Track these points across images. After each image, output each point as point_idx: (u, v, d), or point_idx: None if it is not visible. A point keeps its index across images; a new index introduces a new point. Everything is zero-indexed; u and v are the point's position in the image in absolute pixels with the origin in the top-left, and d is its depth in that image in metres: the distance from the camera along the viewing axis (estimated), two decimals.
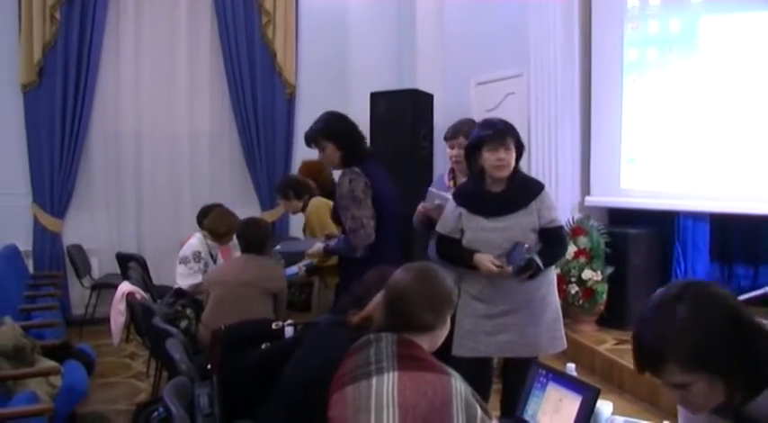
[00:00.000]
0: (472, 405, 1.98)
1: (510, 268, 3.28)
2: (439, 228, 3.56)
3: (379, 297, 2.34)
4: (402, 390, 1.93)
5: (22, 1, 6.85)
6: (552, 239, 3.43)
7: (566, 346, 3.54)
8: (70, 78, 7.00)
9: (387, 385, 1.94)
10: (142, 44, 7.43)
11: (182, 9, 7.51)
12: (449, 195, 3.68)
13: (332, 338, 2.47)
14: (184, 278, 4.89)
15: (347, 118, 3.96)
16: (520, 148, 3.40)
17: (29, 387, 3.57)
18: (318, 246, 4.02)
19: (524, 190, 3.43)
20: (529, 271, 3.28)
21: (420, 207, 3.92)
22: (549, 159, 6.05)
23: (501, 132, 3.33)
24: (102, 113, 7.32)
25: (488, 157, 3.33)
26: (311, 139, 3.88)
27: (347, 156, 3.82)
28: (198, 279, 4.84)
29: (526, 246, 3.29)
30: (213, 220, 5.08)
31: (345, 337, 2.36)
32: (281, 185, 5.21)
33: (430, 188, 4.02)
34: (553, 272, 3.56)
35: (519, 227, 3.36)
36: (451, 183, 3.91)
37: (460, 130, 3.84)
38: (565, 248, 3.85)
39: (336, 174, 4.14)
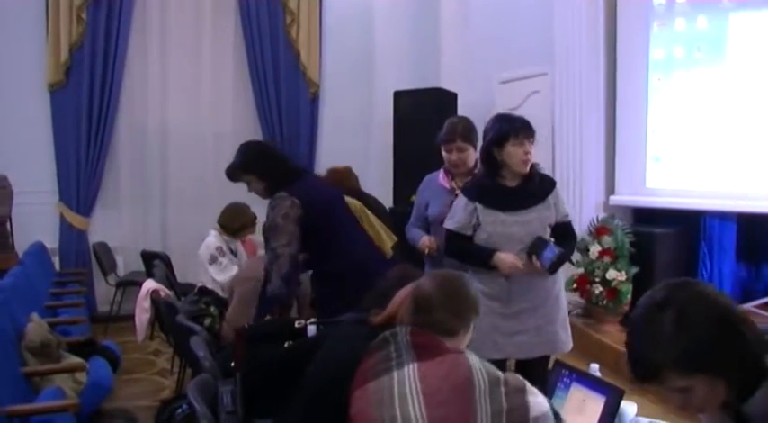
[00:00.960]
0: (491, 369, 2.00)
1: (538, 263, 3.24)
2: (448, 224, 3.48)
3: (400, 295, 2.35)
4: (423, 377, 1.95)
5: (50, 2, 6.93)
6: (567, 234, 3.47)
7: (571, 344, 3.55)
8: (96, 78, 7.07)
9: (408, 376, 1.96)
10: (167, 44, 7.48)
11: (206, 9, 7.56)
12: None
13: (354, 337, 2.47)
14: (221, 273, 4.90)
15: (263, 145, 3.92)
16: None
17: (55, 383, 3.62)
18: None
19: (541, 185, 3.41)
20: (560, 266, 3.30)
21: (426, 240, 3.72)
22: (573, 158, 6.01)
23: (527, 126, 3.32)
24: (127, 113, 7.39)
25: (515, 152, 3.29)
26: (232, 177, 3.74)
27: (272, 184, 3.65)
28: (234, 270, 4.87)
29: (552, 240, 3.30)
30: (226, 216, 5.12)
31: (367, 335, 2.37)
32: None
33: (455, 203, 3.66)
34: (561, 269, 3.56)
35: (539, 221, 3.35)
36: (453, 183, 3.76)
37: (456, 132, 3.70)
38: (575, 243, 3.83)
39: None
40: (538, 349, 3.37)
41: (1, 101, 6.91)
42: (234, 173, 3.73)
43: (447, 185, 3.76)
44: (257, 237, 5.41)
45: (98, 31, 7.04)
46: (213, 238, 5.06)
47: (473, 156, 3.73)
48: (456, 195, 3.66)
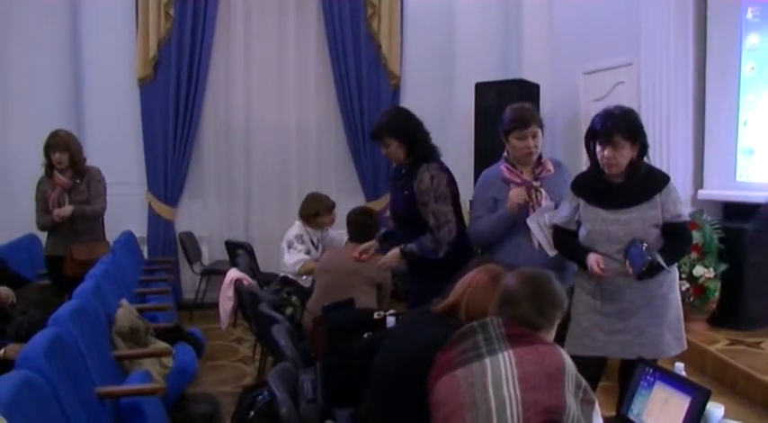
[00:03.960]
0: (578, 375, 2.06)
1: (630, 269, 3.12)
2: (555, 218, 3.43)
3: (462, 284, 2.42)
4: (520, 363, 2.00)
5: None
6: (676, 235, 3.24)
7: (686, 346, 3.38)
8: (183, 72, 7.27)
9: (503, 362, 2.01)
10: (251, 38, 7.62)
11: (289, 3, 7.66)
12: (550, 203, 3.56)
13: (417, 325, 2.50)
14: (293, 258, 5.04)
15: (411, 114, 3.91)
16: (641, 139, 3.22)
17: (143, 367, 3.73)
18: (395, 251, 3.78)
19: (649, 182, 3.26)
20: (653, 275, 3.12)
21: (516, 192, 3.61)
22: (660, 151, 5.82)
23: (608, 131, 3.16)
24: (213, 106, 7.57)
25: (599, 152, 3.21)
26: (375, 137, 3.85)
27: (412, 152, 3.77)
28: (304, 257, 4.97)
29: (645, 245, 3.12)
30: (303, 203, 5.24)
31: (430, 323, 2.40)
32: None
33: (542, 210, 3.59)
34: (675, 269, 3.38)
35: (641, 220, 3.19)
36: (523, 175, 3.63)
37: (529, 117, 3.59)
38: (689, 245, 3.63)
39: None
40: (640, 350, 3.13)
41: (93, 95, 7.17)
42: (379, 133, 3.83)
43: (518, 179, 3.62)
44: (335, 230, 5.49)
45: (185, 26, 7.23)
46: (296, 228, 5.18)
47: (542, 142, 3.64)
48: (533, 188, 3.59)
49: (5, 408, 2.03)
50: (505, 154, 3.70)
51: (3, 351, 3.10)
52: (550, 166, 3.68)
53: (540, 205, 3.57)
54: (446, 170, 3.77)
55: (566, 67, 7.10)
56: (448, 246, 3.63)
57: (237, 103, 7.64)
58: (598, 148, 3.21)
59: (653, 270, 3.10)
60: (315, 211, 5.21)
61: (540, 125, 3.62)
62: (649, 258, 3.06)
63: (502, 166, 3.69)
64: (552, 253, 3.51)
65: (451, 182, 3.75)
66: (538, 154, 3.63)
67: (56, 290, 4.91)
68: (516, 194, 3.52)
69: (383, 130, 3.79)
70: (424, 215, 3.68)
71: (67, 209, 4.89)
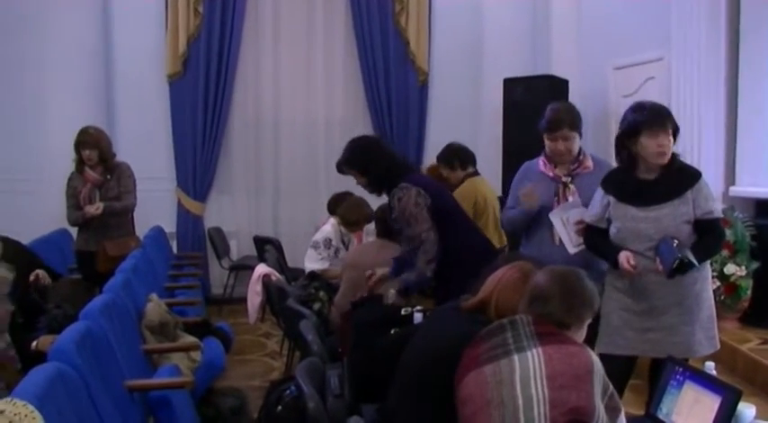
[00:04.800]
0: (606, 379, 2.06)
1: (660, 267, 3.08)
2: (586, 216, 3.40)
3: (491, 281, 2.42)
4: (548, 361, 2.00)
5: None
6: (708, 232, 3.20)
7: (719, 346, 3.34)
8: (212, 68, 7.32)
9: (532, 360, 2.01)
10: (280, 35, 7.65)
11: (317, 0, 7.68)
12: (576, 199, 3.53)
13: (446, 321, 2.50)
14: (311, 261, 5.05)
15: (369, 140, 3.94)
16: (675, 133, 3.19)
17: (172, 361, 3.77)
18: (392, 293, 3.69)
19: (680, 178, 3.20)
20: (683, 272, 3.06)
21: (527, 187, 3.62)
22: (691, 147, 5.74)
23: (661, 116, 3.14)
24: (242, 102, 7.61)
25: (648, 144, 3.13)
26: (339, 170, 3.89)
27: (373, 180, 3.76)
28: (324, 265, 4.96)
29: (675, 242, 3.07)
30: (346, 209, 5.18)
31: (459, 319, 2.40)
32: (444, 154, 5.13)
33: (565, 206, 3.58)
34: (708, 267, 3.34)
35: (672, 217, 3.15)
36: (557, 171, 3.62)
37: (562, 120, 3.57)
38: (721, 242, 3.55)
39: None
40: (671, 349, 3.06)
41: (123, 91, 7.25)
42: (339, 166, 3.87)
43: (550, 174, 3.63)
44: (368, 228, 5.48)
45: (214, 23, 7.28)
46: (330, 228, 5.16)
47: (578, 143, 3.61)
48: (562, 183, 3.57)
49: (38, 399, 2.06)
50: (545, 148, 3.70)
51: (35, 343, 3.15)
52: (589, 164, 3.65)
53: (566, 200, 3.54)
54: (417, 182, 3.70)
55: (595, 63, 7.03)
56: (429, 264, 3.57)
57: (266, 99, 7.68)
58: (647, 140, 3.13)
59: (684, 267, 3.03)
60: (357, 219, 5.14)
61: (576, 127, 3.59)
62: (679, 255, 3.01)
63: (540, 160, 3.72)
64: (572, 250, 3.48)
65: (425, 190, 3.64)
66: (572, 157, 3.61)
67: (86, 284, 4.97)
68: (525, 194, 3.55)
69: (342, 163, 3.83)
70: (402, 243, 3.73)
71: (98, 206, 4.94)
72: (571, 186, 3.56)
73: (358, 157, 3.79)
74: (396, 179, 3.69)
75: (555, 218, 3.53)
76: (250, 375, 5.19)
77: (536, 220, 3.60)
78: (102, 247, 5.00)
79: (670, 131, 3.14)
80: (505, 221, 3.84)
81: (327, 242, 5.09)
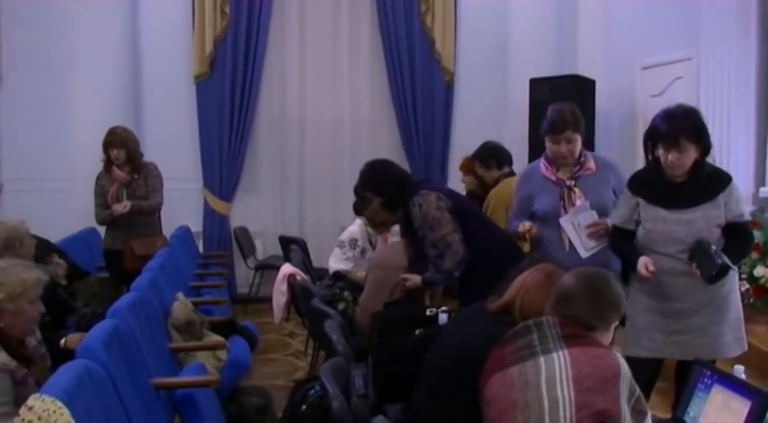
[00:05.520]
0: (633, 382, 2.05)
1: (698, 272, 3.01)
2: (612, 218, 3.37)
3: (516, 283, 2.42)
4: (575, 363, 1.99)
5: None
6: (739, 235, 3.15)
7: (746, 347, 3.29)
8: (238, 69, 7.36)
9: (558, 362, 2.00)
10: (306, 35, 7.68)
11: (343, 0, 7.70)
12: (585, 203, 3.48)
13: (471, 323, 2.49)
14: (336, 261, 5.03)
15: (380, 161, 4.01)
16: (704, 140, 3.11)
17: (198, 359, 3.79)
18: (416, 278, 3.79)
19: (712, 181, 3.15)
20: (722, 277, 3.00)
21: (525, 224, 3.57)
22: (720, 148, 5.66)
23: (674, 134, 3.05)
24: (267, 102, 7.65)
25: (663, 156, 3.10)
26: (356, 195, 4.08)
27: (389, 198, 3.82)
28: (348, 265, 4.94)
29: (714, 247, 3.01)
30: (372, 210, 5.15)
31: (484, 321, 2.39)
32: (480, 153, 5.10)
33: (576, 211, 3.52)
34: (735, 268, 3.26)
35: (705, 220, 3.10)
36: (559, 174, 3.57)
37: (566, 121, 3.50)
38: (751, 245, 3.52)
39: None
40: (699, 351, 3.06)
41: (150, 92, 7.33)
42: (356, 191, 4.04)
43: (553, 177, 3.57)
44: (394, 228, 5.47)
45: (240, 24, 7.33)
46: (357, 228, 5.13)
47: (580, 145, 3.56)
48: (566, 187, 3.52)
49: (66, 395, 2.09)
50: (546, 150, 3.65)
51: (63, 341, 3.19)
52: (591, 165, 3.60)
53: (573, 205, 3.50)
54: (434, 188, 3.75)
55: (622, 62, 6.97)
56: (459, 265, 3.61)
57: (291, 99, 7.71)
58: (662, 151, 3.11)
59: (723, 273, 2.99)
60: (383, 220, 5.11)
61: (579, 129, 3.54)
62: (720, 262, 2.96)
63: (541, 162, 3.66)
64: (585, 255, 3.44)
65: (444, 195, 3.69)
66: (574, 158, 3.56)
67: (114, 283, 5.03)
68: (521, 231, 3.53)
69: (357, 188, 4.03)
70: (426, 250, 3.71)
71: (126, 205, 4.99)
72: (576, 190, 3.51)
73: (371, 179, 3.89)
74: (411, 193, 3.73)
75: (566, 223, 3.48)
76: (275, 375, 5.22)
77: (544, 225, 3.56)
78: (130, 246, 5.05)
79: (687, 145, 3.06)
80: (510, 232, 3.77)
81: (353, 242, 5.08)
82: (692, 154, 3.10)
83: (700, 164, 3.13)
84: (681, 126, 3.07)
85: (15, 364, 2.57)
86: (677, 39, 6.16)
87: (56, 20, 6.87)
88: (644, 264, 3.11)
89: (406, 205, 3.74)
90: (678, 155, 3.07)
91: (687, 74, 6.07)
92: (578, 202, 3.50)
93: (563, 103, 3.77)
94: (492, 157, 5.04)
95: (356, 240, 5.07)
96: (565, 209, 3.51)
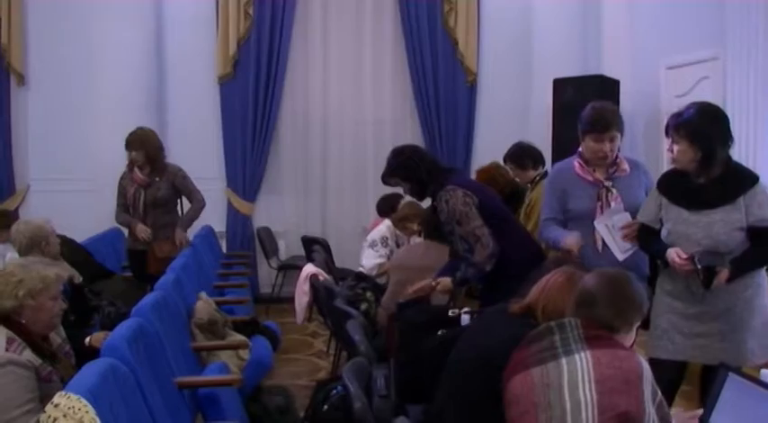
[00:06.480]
0: (655, 386, 2.04)
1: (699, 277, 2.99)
2: (639, 215, 3.33)
3: (539, 285, 2.41)
4: (597, 365, 1.99)
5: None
6: (760, 240, 3.05)
7: None
8: (262, 70, 7.40)
9: (580, 364, 2.00)
10: (329, 36, 7.70)
11: (366, 0, 7.71)
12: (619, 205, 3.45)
13: (494, 324, 2.49)
14: (370, 259, 5.08)
15: (409, 149, 3.96)
16: (702, 141, 3.04)
17: (220, 358, 3.82)
18: (446, 281, 3.76)
19: (734, 183, 3.09)
20: (710, 279, 2.95)
21: (572, 240, 3.44)
22: (746, 149, 5.61)
23: (677, 125, 3.08)
24: (291, 103, 7.68)
25: (673, 150, 3.13)
26: (384, 181, 4.02)
27: (416, 185, 3.84)
28: (380, 261, 4.99)
29: (698, 251, 2.99)
30: (407, 211, 5.16)
31: (507, 322, 2.39)
32: (515, 154, 5.05)
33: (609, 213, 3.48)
34: (763, 273, 3.20)
35: (723, 224, 3.03)
36: (596, 175, 3.51)
37: (609, 120, 3.46)
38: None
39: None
40: (721, 356, 2.97)
41: (175, 93, 7.39)
42: (384, 178, 3.97)
43: (589, 178, 3.51)
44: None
45: (263, 25, 7.36)
46: (385, 228, 5.17)
47: (619, 145, 3.53)
48: (604, 188, 3.48)
49: (90, 393, 2.12)
50: (580, 149, 3.60)
51: (88, 339, 3.22)
52: (626, 166, 3.56)
53: (609, 206, 3.47)
54: (461, 183, 3.74)
55: (647, 62, 6.91)
56: (490, 258, 3.59)
57: (315, 99, 7.73)
58: (669, 143, 3.14)
59: (709, 275, 2.95)
60: (404, 215, 5.09)
61: (621, 128, 3.52)
62: (699, 267, 2.94)
63: (575, 161, 3.59)
64: (621, 257, 3.39)
65: (471, 191, 3.68)
66: (612, 159, 3.52)
67: (138, 282, 5.07)
68: (571, 242, 3.39)
69: (385, 174, 3.93)
70: (455, 244, 3.72)
71: (147, 232, 5.08)
72: (613, 190, 3.46)
73: (398, 165, 3.86)
74: (439, 181, 3.73)
75: (600, 225, 3.43)
76: (297, 374, 5.23)
77: (578, 226, 3.50)
78: (151, 250, 5.09)
79: (684, 143, 3.05)
80: (544, 239, 3.71)
81: (385, 240, 5.13)
82: (686, 150, 3.07)
83: (708, 163, 3.06)
84: (680, 120, 3.11)
85: (40, 362, 2.60)
86: (703, 38, 6.10)
87: (81, 22, 6.93)
88: (675, 252, 3.05)
89: (434, 196, 3.76)
90: (679, 148, 3.08)
91: (713, 74, 6.00)
92: (613, 204, 3.47)
93: (603, 102, 3.76)
94: (527, 157, 4.98)
95: (387, 238, 5.15)
96: (602, 209, 3.47)
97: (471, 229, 3.60)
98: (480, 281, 3.77)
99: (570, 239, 3.38)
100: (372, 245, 5.13)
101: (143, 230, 5.07)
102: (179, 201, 5.33)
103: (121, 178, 5.22)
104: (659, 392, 2.05)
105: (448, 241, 3.88)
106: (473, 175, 5.65)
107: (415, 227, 5.05)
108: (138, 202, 5.12)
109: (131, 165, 5.14)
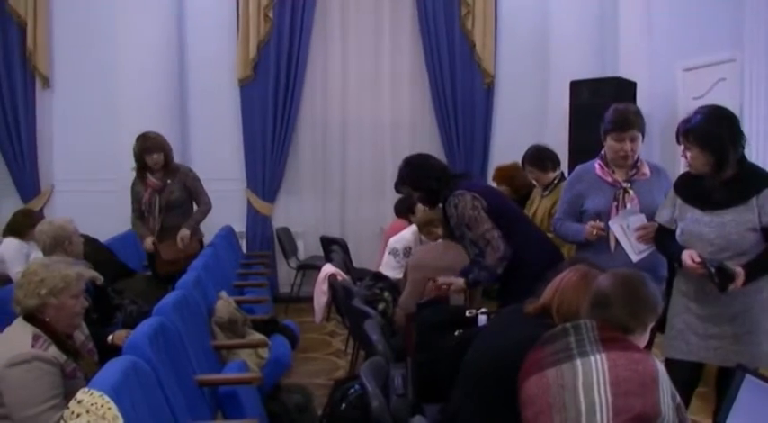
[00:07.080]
0: (673, 388, 2.04)
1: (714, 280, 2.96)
2: (657, 217, 3.33)
3: (553, 285, 2.44)
4: (612, 367, 1.99)
5: (240, 2, 7.41)
6: None
7: None
8: (282, 73, 7.46)
9: (595, 366, 2.00)
10: (347, 39, 7.75)
11: (384, 3, 7.75)
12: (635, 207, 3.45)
13: (510, 324, 2.51)
14: (390, 269, 5.02)
15: (418, 158, 4.00)
16: (713, 147, 3.03)
17: (240, 357, 3.86)
18: (459, 281, 3.79)
19: (747, 183, 3.07)
20: (725, 281, 2.92)
21: (591, 225, 3.48)
22: (765, 151, 5.59)
23: (687, 131, 3.08)
24: (310, 105, 7.73)
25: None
26: (396, 190, 4.11)
27: (427, 193, 3.88)
28: (400, 274, 4.95)
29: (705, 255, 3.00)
30: (423, 216, 5.15)
31: (523, 322, 2.40)
32: (534, 156, 5.02)
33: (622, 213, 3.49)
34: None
35: (735, 224, 3.02)
36: (616, 176, 3.53)
37: (631, 120, 3.48)
38: None
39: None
40: (735, 358, 2.95)
41: (196, 95, 7.48)
42: (396, 187, 4.05)
43: (608, 179, 3.53)
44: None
45: (283, 28, 7.42)
46: (410, 235, 5.10)
47: (640, 146, 3.54)
48: (621, 189, 3.49)
49: (113, 390, 2.16)
50: (602, 152, 3.62)
51: (111, 337, 3.27)
52: (647, 170, 3.57)
53: (624, 207, 3.47)
54: (470, 187, 3.76)
55: (664, 64, 6.88)
56: (501, 261, 3.61)
57: (334, 101, 7.78)
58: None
59: (724, 276, 2.92)
60: (428, 219, 5.05)
61: (642, 129, 3.53)
62: (713, 269, 2.92)
63: (596, 163, 3.62)
64: (636, 258, 3.39)
65: (479, 195, 3.71)
66: (634, 158, 3.53)
67: (158, 281, 5.13)
68: (589, 232, 3.44)
69: (397, 184, 4.01)
70: (467, 249, 3.75)
71: (152, 243, 5.10)
72: (630, 192, 3.47)
73: (407, 175, 3.91)
74: (449, 188, 3.76)
75: (614, 225, 3.43)
76: (315, 373, 5.27)
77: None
78: (158, 252, 5.12)
79: (695, 148, 3.05)
80: (557, 233, 3.74)
81: (407, 251, 5.03)
82: (698, 156, 3.06)
83: (721, 165, 3.04)
84: (689, 126, 3.11)
85: (65, 359, 2.66)
86: (720, 40, 6.06)
87: (103, 24, 7.06)
88: (689, 255, 3.04)
89: (444, 202, 3.79)
90: (689, 155, 3.08)
91: (730, 76, 5.96)
92: (629, 205, 3.47)
93: (627, 103, 3.77)
94: (547, 158, 4.97)
95: (410, 249, 5.03)
96: (617, 209, 3.48)
97: (481, 232, 3.62)
98: (495, 282, 3.79)
99: (589, 226, 3.44)
100: (394, 253, 5.07)
101: (149, 245, 5.12)
102: (193, 203, 5.34)
103: (133, 184, 5.22)
104: (677, 395, 2.05)
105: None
106: (491, 177, 5.66)
107: (440, 231, 5.06)
108: (154, 206, 5.12)
109: (142, 171, 5.15)
